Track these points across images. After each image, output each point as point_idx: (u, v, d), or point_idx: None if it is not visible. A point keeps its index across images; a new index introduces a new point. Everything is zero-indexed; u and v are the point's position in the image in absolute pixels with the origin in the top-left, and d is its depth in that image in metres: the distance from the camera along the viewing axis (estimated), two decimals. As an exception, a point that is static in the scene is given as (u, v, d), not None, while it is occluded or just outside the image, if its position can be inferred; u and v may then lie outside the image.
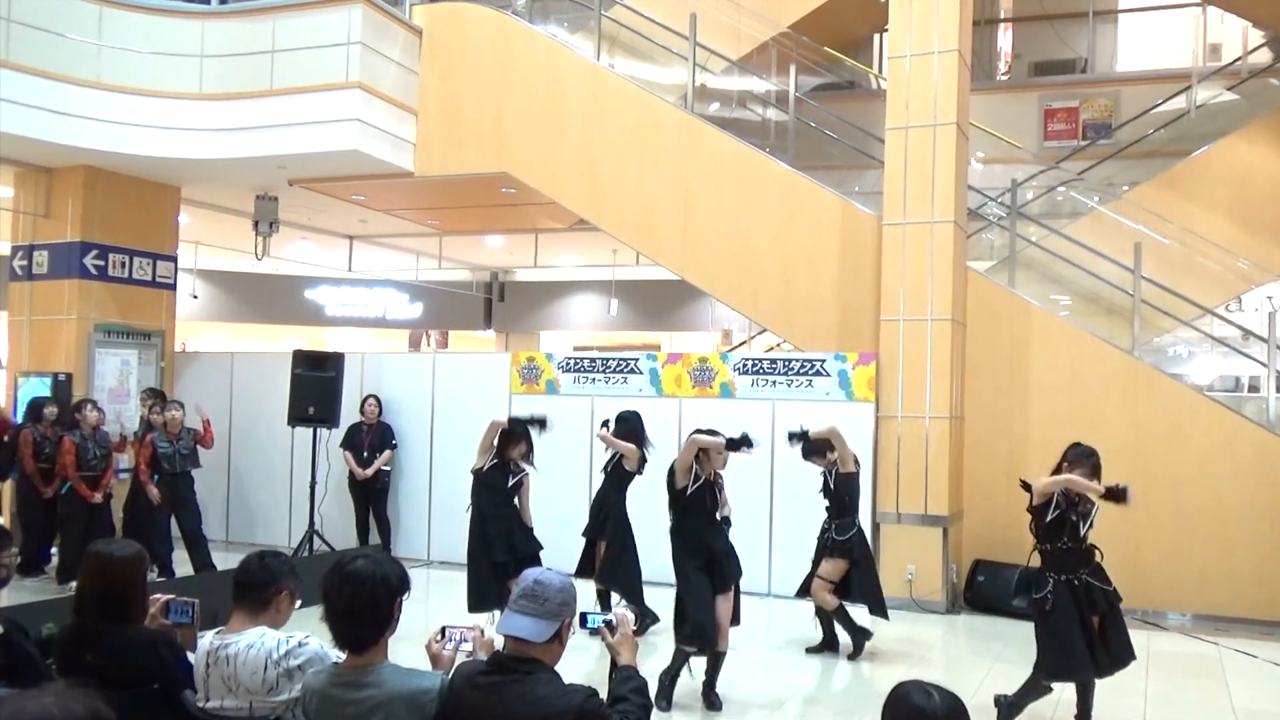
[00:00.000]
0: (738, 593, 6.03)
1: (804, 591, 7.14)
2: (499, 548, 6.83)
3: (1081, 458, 5.41)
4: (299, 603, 3.20)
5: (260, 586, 3.10)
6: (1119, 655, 5.38)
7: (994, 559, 8.47)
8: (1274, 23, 11.79)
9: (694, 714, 5.80)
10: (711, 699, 5.83)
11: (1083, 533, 5.38)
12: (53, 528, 9.02)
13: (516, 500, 7.07)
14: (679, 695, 5.99)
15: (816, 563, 7.03)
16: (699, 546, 5.83)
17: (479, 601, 6.82)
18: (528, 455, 7.08)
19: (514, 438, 7.02)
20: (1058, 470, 5.43)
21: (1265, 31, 12.07)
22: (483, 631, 3.04)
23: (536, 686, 2.64)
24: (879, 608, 6.94)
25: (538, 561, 6.74)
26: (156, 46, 9.51)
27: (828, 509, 7.07)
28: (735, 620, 6.03)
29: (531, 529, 7.10)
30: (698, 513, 5.85)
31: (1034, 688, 5.47)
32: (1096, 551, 5.44)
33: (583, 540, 7.67)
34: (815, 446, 7.00)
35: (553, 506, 9.58)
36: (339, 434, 10.09)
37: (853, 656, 6.95)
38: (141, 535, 7.86)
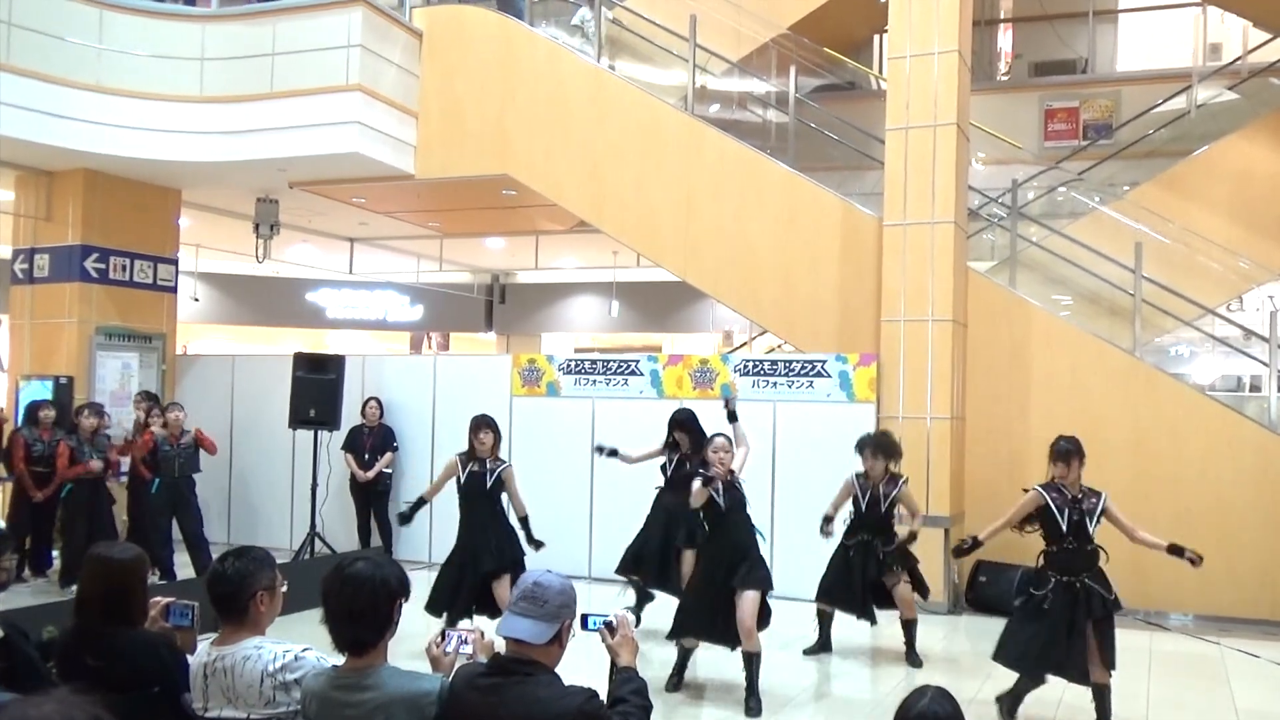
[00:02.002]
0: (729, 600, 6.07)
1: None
2: (488, 558, 6.58)
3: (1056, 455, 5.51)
4: (285, 585, 3.07)
5: (230, 597, 2.98)
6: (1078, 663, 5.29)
7: (996, 560, 8.46)
8: (1273, 22, 11.78)
9: (695, 714, 5.80)
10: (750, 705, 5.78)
11: (1090, 531, 5.38)
12: (41, 530, 9.03)
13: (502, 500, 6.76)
14: (680, 695, 6.00)
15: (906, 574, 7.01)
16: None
17: (436, 605, 6.65)
18: (496, 448, 6.78)
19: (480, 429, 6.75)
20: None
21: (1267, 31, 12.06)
22: (483, 634, 3.04)
23: (536, 688, 2.65)
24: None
25: (523, 567, 6.60)
26: (157, 49, 9.52)
27: (873, 523, 6.94)
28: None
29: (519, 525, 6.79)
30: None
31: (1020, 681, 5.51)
32: (1102, 553, 5.44)
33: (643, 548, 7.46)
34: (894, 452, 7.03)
35: (555, 509, 9.59)
36: (340, 436, 10.09)
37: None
38: (143, 538, 7.88)
